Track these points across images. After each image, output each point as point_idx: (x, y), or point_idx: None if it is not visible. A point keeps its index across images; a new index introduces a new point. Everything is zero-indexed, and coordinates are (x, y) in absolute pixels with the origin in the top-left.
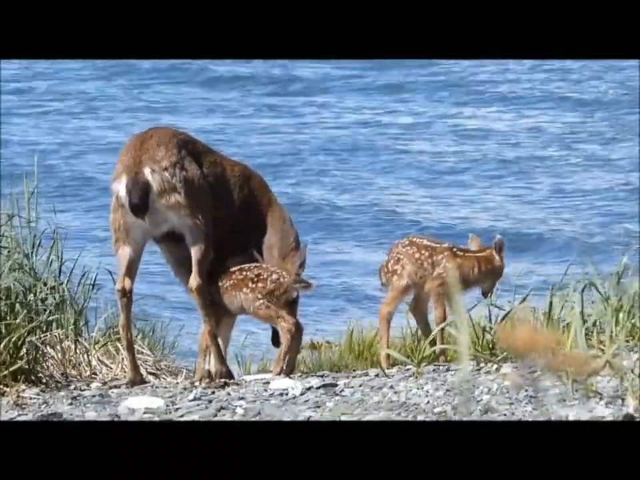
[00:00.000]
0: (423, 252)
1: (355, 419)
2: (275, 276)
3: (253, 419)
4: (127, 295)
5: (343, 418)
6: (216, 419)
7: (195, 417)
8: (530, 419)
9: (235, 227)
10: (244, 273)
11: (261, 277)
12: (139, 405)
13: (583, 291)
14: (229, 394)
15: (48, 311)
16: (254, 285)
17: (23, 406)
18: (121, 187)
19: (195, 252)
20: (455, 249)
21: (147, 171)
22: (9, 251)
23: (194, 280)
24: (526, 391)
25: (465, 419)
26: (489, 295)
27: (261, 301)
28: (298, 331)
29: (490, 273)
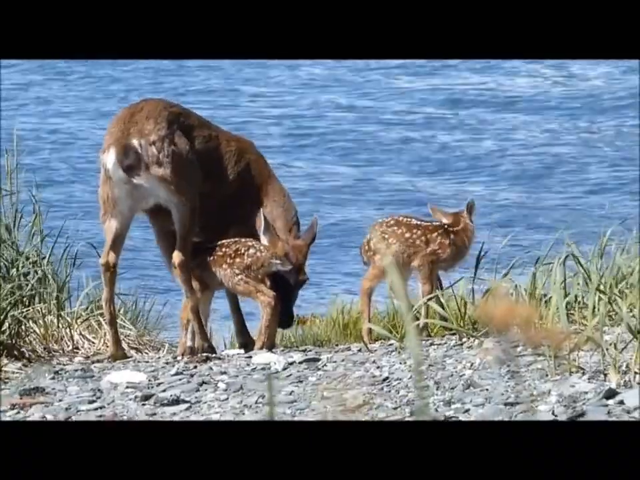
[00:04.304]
0: (414, 231)
1: (336, 393)
2: (252, 250)
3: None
4: (110, 269)
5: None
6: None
7: (176, 392)
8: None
9: (228, 202)
10: (223, 249)
11: (239, 252)
12: (121, 380)
13: (564, 262)
14: (211, 368)
15: (30, 285)
16: (231, 261)
17: (6, 380)
18: (109, 159)
19: (179, 228)
20: (446, 226)
21: (135, 143)
22: None
23: (177, 256)
24: (507, 366)
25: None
26: None
27: (239, 277)
28: (278, 304)
29: (471, 239)
